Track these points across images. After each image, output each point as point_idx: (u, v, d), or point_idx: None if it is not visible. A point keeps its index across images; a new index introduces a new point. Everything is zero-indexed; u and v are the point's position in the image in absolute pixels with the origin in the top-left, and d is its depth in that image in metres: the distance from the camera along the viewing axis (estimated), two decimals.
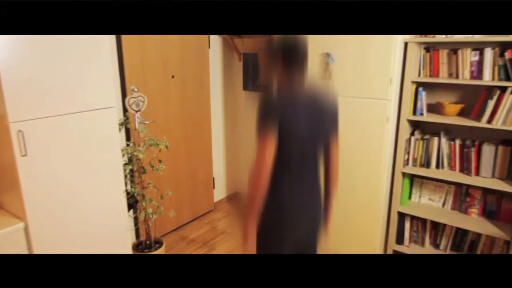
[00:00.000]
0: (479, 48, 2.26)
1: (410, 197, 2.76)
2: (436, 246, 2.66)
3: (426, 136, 2.53)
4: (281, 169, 1.49)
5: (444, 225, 2.60)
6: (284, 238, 1.55)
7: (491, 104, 2.18)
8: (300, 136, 1.48)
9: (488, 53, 2.20)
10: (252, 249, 1.52)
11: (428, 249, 2.68)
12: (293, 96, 1.49)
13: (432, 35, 2.34)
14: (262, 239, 1.56)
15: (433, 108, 2.61)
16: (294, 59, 1.49)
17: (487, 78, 2.23)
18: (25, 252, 1.86)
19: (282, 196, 1.51)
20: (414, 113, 2.49)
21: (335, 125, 1.61)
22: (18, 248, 1.83)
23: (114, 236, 2.25)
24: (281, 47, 1.49)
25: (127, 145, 2.70)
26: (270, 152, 1.42)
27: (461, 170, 2.46)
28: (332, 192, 1.69)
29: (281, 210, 1.52)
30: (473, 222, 2.42)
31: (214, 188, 3.76)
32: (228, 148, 3.92)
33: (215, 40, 3.50)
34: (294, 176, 1.52)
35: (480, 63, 2.26)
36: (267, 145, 1.41)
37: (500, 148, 2.29)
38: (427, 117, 2.43)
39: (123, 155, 2.52)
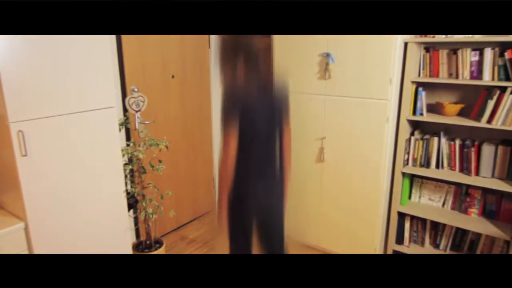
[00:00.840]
0: (479, 48, 2.26)
1: (410, 197, 2.77)
2: (436, 246, 2.66)
3: (426, 136, 2.53)
4: (244, 153, 1.74)
5: (444, 225, 2.60)
6: (249, 207, 1.84)
7: (491, 104, 2.18)
8: (259, 125, 1.74)
9: (488, 53, 2.20)
10: (225, 218, 1.83)
11: (428, 249, 2.68)
12: (250, 90, 1.73)
13: (432, 35, 2.34)
14: (232, 210, 1.85)
15: (433, 108, 2.61)
16: (245, 57, 1.73)
17: (487, 78, 2.24)
18: (25, 252, 1.86)
19: (247, 174, 1.78)
20: (414, 113, 2.49)
21: (286, 112, 1.88)
22: (18, 248, 1.83)
23: (114, 236, 2.25)
24: (231, 47, 1.74)
25: (127, 145, 2.70)
26: (234, 141, 1.67)
27: (461, 170, 2.46)
28: (287, 166, 1.96)
29: (246, 185, 1.80)
30: (473, 222, 2.43)
31: (214, 188, 3.76)
32: None
33: (215, 40, 3.50)
34: (255, 157, 1.78)
35: (480, 63, 2.26)
36: (231, 135, 1.65)
37: (500, 148, 2.29)
38: (427, 117, 2.43)
39: (123, 155, 2.52)
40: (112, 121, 2.13)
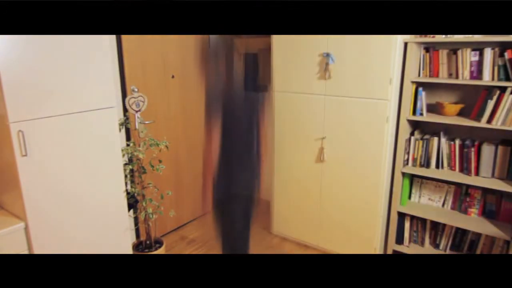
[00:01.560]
0: (479, 48, 2.26)
1: (410, 197, 2.77)
2: (436, 246, 2.66)
3: (426, 136, 2.54)
4: (226, 144, 1.99)
5: (444, 225, 2.60)
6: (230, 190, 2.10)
7: (490, 104, 2.18)
8: (239, 119, 1.97)
9: (488, 53, 2.20)
10: (210, 204, 2.14)
11: (428, 249, 2.68)
12: (230, 89, 1.91)
13: (432, 35, 2.34)
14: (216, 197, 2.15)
15: (433, 108, 2.61)
16: (223, 57, 1.91)
17: (487, 78, 2.24)
18: (25, 252, 1.86)
19: (229, 161, 2.00)
20: (414, 113, 2.49)
21: (262, 106, 2.10)
22: (18, 248, 1.83)
23: (114, 236, 2.25)
24: (214, 48, 1.87)
25: (127, 145, 2.70)
26: (216, 135, 1.87)
27: (461, 170, 2.46)
28: (263, 154, 2.21)
29: (230, 170, 2.04)
30: (473, 222, 2.43)
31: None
32: None
33: (215, 40, 3.50)
34: (236, 148, 2.00)
35: (480, 63, 2.26)
36: (213, 129, 1.86)
37: (500, 148, 2.29)
38: (427, 117, 2.43)
39: (123, 155, 2.52)
40: (112, 121, 2.13)
